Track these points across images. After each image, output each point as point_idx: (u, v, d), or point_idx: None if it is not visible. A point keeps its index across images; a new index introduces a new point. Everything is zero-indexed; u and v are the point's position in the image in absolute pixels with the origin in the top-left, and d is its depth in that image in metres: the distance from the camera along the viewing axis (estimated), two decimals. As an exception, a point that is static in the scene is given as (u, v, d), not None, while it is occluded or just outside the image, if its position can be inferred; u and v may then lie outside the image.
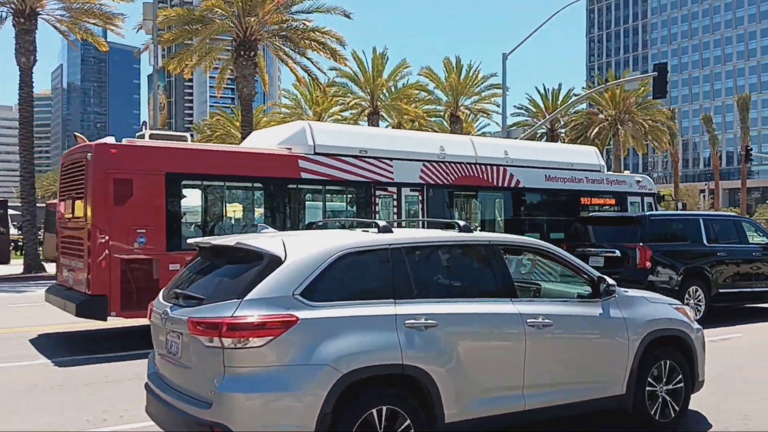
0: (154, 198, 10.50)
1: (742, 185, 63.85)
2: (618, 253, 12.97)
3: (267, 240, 4.92)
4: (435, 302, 4.97)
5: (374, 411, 4.50)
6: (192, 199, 11.52)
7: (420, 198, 13.71)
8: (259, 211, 12.56)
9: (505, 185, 14.81)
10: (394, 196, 13.41)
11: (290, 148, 12.41)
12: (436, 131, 53.48)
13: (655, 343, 5.95)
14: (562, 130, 56.47)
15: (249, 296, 4.41)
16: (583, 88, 54.71)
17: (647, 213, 14.74)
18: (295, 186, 12.51)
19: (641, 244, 12.61)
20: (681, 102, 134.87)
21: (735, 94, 76.92)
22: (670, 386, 6.03)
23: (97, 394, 7.45)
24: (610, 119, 53.54)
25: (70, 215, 11.09)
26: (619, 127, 53.28)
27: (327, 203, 13.22)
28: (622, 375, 5.74)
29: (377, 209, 13.16)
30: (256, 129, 54.64)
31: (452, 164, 14.08)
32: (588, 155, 17.12)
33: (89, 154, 10.28)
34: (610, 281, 5.86)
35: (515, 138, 25.14)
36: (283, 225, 12.07)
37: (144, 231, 10.17)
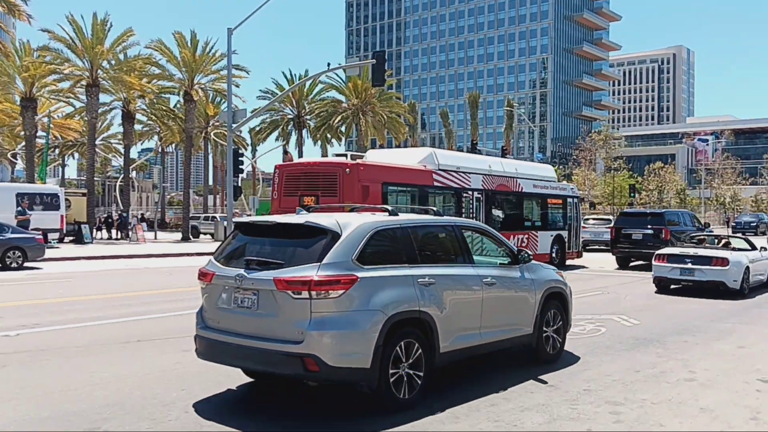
0: (378, 198, 16.58)
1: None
2: (651, 231, 23.23)
3: (326, 219, 6.32)
4: (430, 266, 6.74)
5: (402, 344, 6.15)
6: (390, 198, 17.62)
7: (482, 198, 21.09)
8: (414, 205, 17.76)
9: (518, 190, 22.95)
10: (471, 197, 20.68)
11: (425, 165, 19.35)
12: (174, 110, 51.37)
13: (548, 296, 8.26)
14: (308, 117, 58.08)
15: (325, 260, 5.87)
16: (331, 78, 56.50)
17: (665, 210, 31.91)
18: (430, 190, 19.51)
19: (665, 227, 23.18)
20: (429, 99, 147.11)
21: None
22: (554, 328, 8.38)
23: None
24: (353, 108, 56.03)
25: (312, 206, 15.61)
26: (362, 117, 55.92)
27: (443, 201, 20.12)
28: (531, 319, 7.98)
29: (463, 204, 20.38)
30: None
31: (494, 176, 21.85)
32: (549, 171, 26.50)
33: (347, 169, 16.44)
34: (529, 252, 8.06)
35: (240, 119, 29.95)
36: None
37: None
